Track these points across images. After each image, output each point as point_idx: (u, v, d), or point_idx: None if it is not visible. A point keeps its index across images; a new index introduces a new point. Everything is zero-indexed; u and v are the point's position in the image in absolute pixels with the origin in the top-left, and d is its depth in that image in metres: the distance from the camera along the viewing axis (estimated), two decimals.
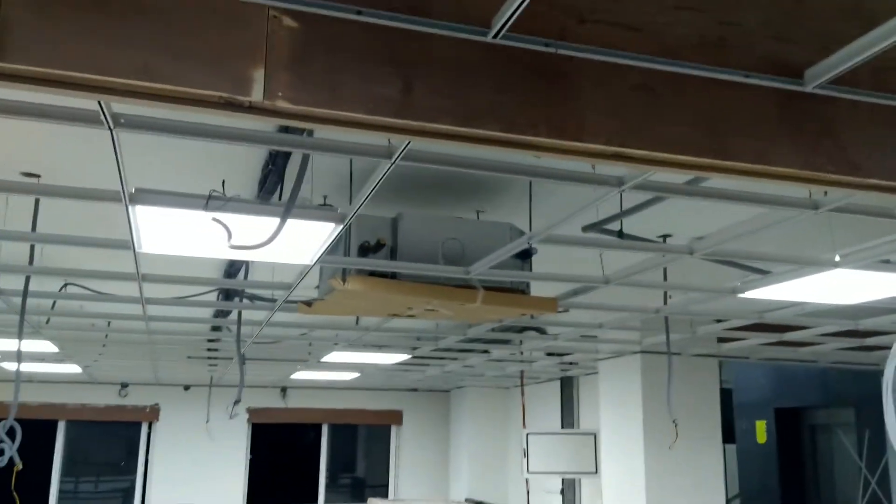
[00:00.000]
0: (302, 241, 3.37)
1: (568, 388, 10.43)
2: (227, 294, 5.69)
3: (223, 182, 2.98)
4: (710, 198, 2.93)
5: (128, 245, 3.52)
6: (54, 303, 5.88)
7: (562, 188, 3.63)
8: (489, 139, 1.93)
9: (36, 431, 11.47)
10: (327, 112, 1.76)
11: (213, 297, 5.79)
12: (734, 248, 3.78)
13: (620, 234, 3.91)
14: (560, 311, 4.89)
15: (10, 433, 4.32)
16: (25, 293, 4.43)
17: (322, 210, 3.24)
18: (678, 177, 2.77)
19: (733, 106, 2.12)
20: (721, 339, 7.56)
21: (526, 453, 9.10)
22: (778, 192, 2.87)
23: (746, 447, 10.61)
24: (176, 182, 3.53)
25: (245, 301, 5.59)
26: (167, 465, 12.02)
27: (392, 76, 1.82)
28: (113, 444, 12.26)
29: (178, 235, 3.35)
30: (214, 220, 2.94)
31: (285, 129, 2.70)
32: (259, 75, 1.74)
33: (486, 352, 8.56)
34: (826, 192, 2.89)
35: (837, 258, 3.81)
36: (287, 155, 3.27)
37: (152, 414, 12.20)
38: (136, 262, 4.12)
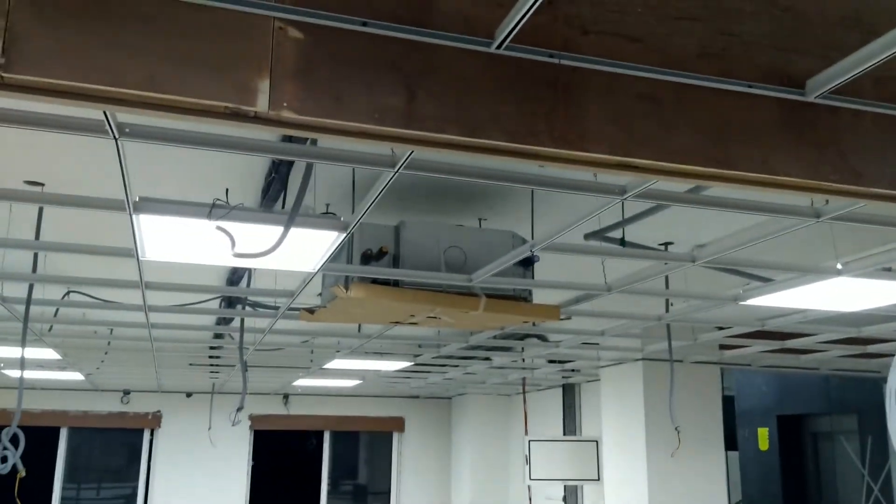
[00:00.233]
0: (305, 250, 3.38)
1: (570, 396, 10.42)
2: (230, 302, 5.70)
3: (227, 191, 2.99)
4: (713, 206, 2.93)
5: (131, 253, 3.52)
6: (57, 310, 5.89)
7: (564, 197, 3.64)
8: (493, 149, 1.94)
9: (38, 438, 11.46)
10: (332, 122, 1.77)
11: (215, 304, 5.80)
12: (736, 256, 3.79)
13: (622, 242, 3.91)
14: (562, 319, 4.89)
15: (14, 440, 4.32)
16: (29, 301, 4.43)
17: (325, 218, 3.25)
18: (680, 185, 2.77)
19: (737, 115, 2.13)
20: (723, 347, 7.55)
21: (528, 460, 9.08)
22: (780, 200, 2.87)
23: (749, 454, 10.58)
24: (180, 191, 3.53)
25: (248, 309, 5.59)
26: (169, 472, 12.00)
27: (396, 86, 1.83)
28: (115, 451, 12.24)
29: (181, 244, 3.36)
30: (218, 228, 2.95)
31: (289, 139, 2.71)
32: (265, 86, 1.74)
33: (487, 359, 8.56)
34: (827, 201, 2.89)
35: (839, 266, 3.81)
36: (290, 163, 3.28)
37: (154, 421, 12.18)
38: (139, 270, 4.13)
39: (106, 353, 8.06)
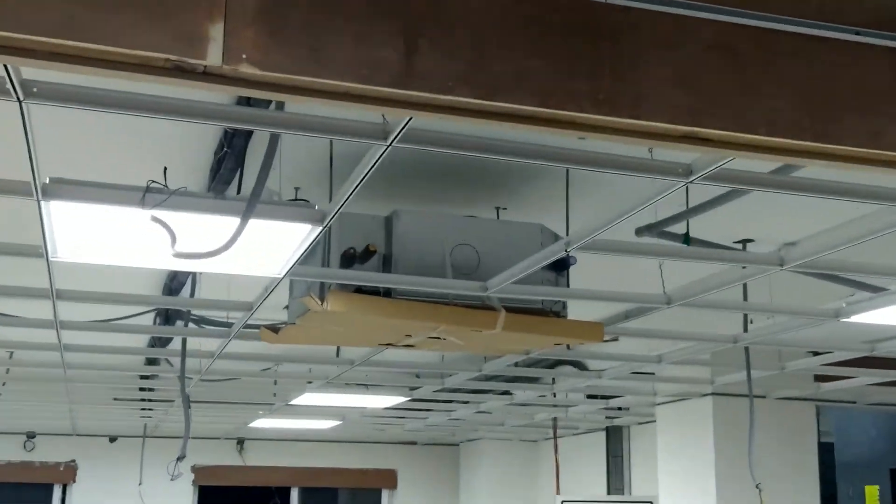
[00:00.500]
0: (268, 248, 3.39)
1: (615, 442, 10.41)
2: (168, 317, 5.71)
3: (164, 170, 3.00)
4: (806, 192, 2.93)
5: (39, 252, 3.53)
6: None
7: (609, 180, 3.64)
8: (517, 115, 1.94)
9: None
10: (305, 80, 1.77)
11: (149, 320, 5.81)
12: (837, 257, 3.78)
13: (686, 238, 3.91)
14: (607, 341, 4.89)
15: None
16: None
17: (295, 207, 3.26)
18: (764, 164, 2.77)
19: (840, 73, 2.13)
20: (819, 378, 7.53)
21: None
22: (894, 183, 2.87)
23: None
24: (103, 170, 3.55)
25: (191, 326, 5.60)
26: None
27: (392, 34, 1.83)
28: None
29: (104, 240, 3.37)
30: (153, 219, 2.96)
31: (246, 102, 2.72)
32: (217, 32, 1.75)
33: (507, 393, 8.55)
34: None
35: None
36: (247, 135, 3.29)
37: (68, 473, 12.21)
38: (49, 275, 4.14)
39: (3, 384, 8.08)
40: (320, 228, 3.18)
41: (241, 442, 12.91)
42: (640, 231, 3.97)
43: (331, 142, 3.48)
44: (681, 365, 6.60)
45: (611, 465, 10.40)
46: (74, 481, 12.22)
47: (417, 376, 7.76)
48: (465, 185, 4.07)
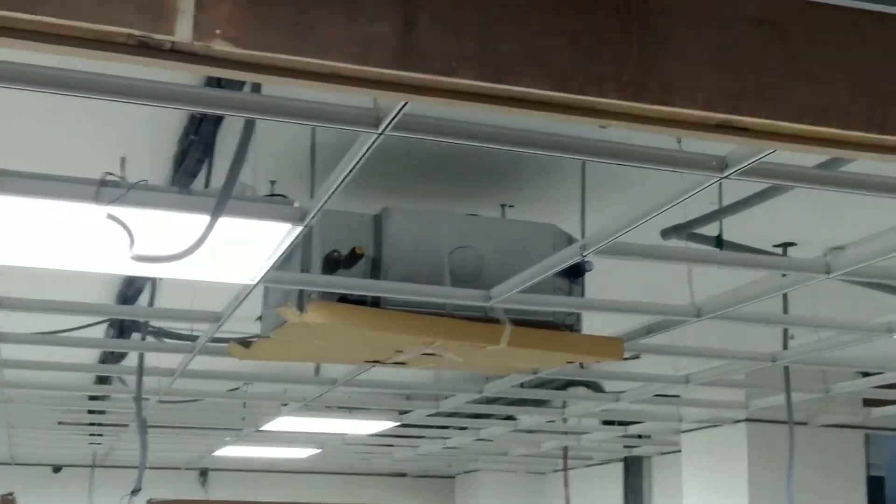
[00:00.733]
0: (239, 250, 3.39)
1: (635, 474, 10.42)
2: (123, 328, 5.71)
3: (122, 160, 3.00)
4: (857, 189, 2.94)
5: None
6: None
7: (632, 175, 3.65)
8: (530, 100, 1.94)
9: None
10: (288, 59, 1.78)
11: (100, 332, 5.81)
12: (890, 264, 3.79)
13: (719, 241, 3.91)
14: (626, 359, 4.90)
15: None
16: None
17: (271, 203, 3.26)
18: (809, 157, 2.78)
19: None
20: (869, 403, 7.54)
21: None
22: None
23: None
24: (51, 161, 3.55)
25: (149, 339, 5.60)
26: None
27: (388, 7, 1.83)
28: None
29: (51, 240, 3.37)
30: (109, 217, 2.97)
31: (217, 83, 2.72)
32: (187, 3, 1.75)
33: (510, 418, 8.55)
34: None
35: None
36: (216, 121, 3.29)
37: None
38: None
39: None
40: (300, 228, 3.18)
41: (204, 473, 12.90)
42: (666, 233, 3.98)
43: (313, 129, 3.48)
44: (711, 387, 6.60)
45: (629, 502, 10.40)
46: None
47: (408, 398, 7.76)
48: (466, 179, 4.08)
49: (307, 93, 2.06)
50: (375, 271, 3.86)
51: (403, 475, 13.48)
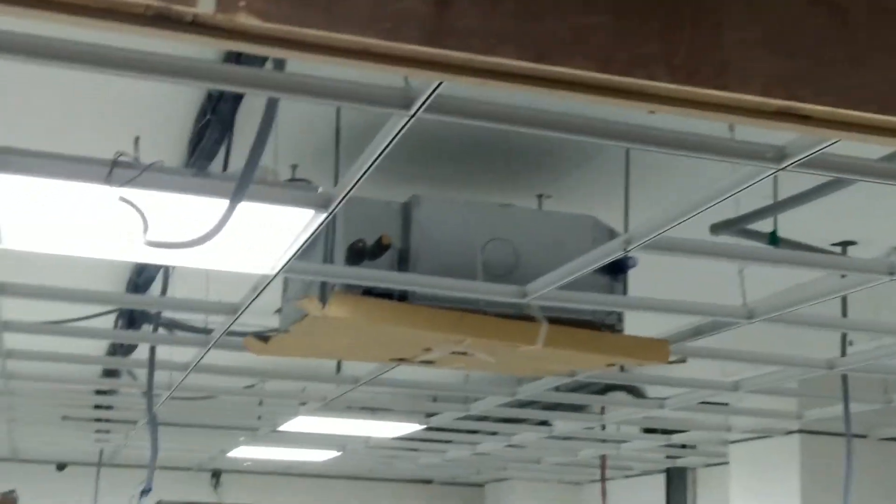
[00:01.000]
0: (259, 238, 3.40)
1: (678, 486, 10.39)
2: (133, 319, 5.74)
3: (136, 140, 3.02)
4: None
5: None
6: None
7: (679, 165, 3.63)
8: (573, 82, 1.93)
9: None
10: (318, 34, 1.77)
11: (109, 323, 5.85)
12: None
13: (774, 238, 3.89)
14: (672, 362, 4.89)
15: None
16: None
17: (294, 188, 3.27)
18: (873, 149, 2.76)
19: None
20: None
21: None
22: None
23: None
24: (62, 140, 3.58)
25: (161, 331, 5.63)
26: None
27: None
28: None
29: (60, 224, 3.40)
30: (121, 199, 2.98)
31: (236, 59, 2.73)
32: None
33: (545, 424, 8.55)
34: None
35: None
36: (235, 100, 3.31)
37: None
38: None
39: None
40: (324, 215, 3.19)
41: (216, 475, 12.97)
42: (716, 228, 3.96)
43: (338, 110, 3.49)
44: (762, 395, 6.57)
45: None
46: None
47: (435, 400, 7.77)
48: (501, 166, 4.07)
49: (333, 71, 2.07)
50: (403, 263, 3.86)
51: (429, 482, 13.50)
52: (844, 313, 4.83)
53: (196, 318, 5.70)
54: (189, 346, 5.77)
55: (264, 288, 4.19)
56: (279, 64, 2.50)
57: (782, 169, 2.69)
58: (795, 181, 3.53)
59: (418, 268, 3.84)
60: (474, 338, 4.01)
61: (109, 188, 2.92)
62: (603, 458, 10.11)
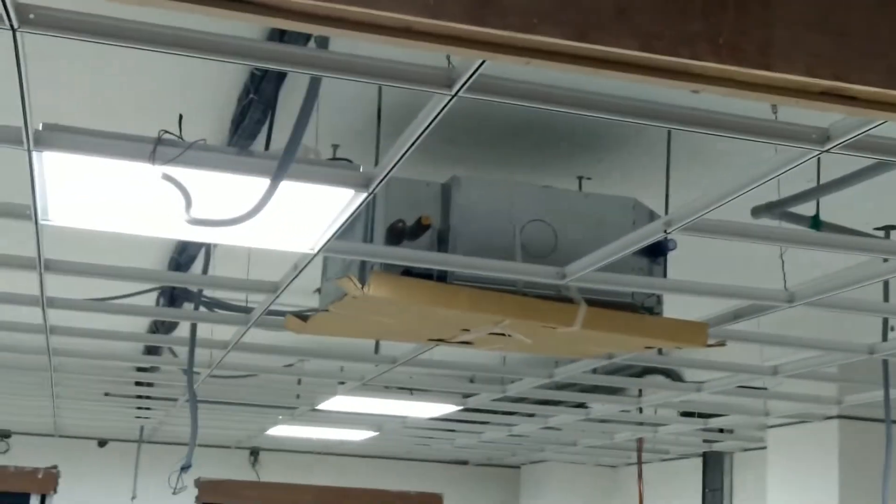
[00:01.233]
0: (300, 217, 3.42)
1: (715, 470, 10.34)
2: (174, 297, 5.78)
3: (180, 118, 3.03)
4: None
5: (26, 213, 3.60)
6: None
7: (721, 146, 3.61)
8: (616, 61, 1.93)
9: None
10: (360, 11, 1.78)
11: (151, 300, 5.89)
12: None
13: (816, 222, 3.86)
14: (710, 345, 4.87)
15: None
16: None
17: (336, 168, 3.28)
18: None
19: None
20: None
21: None
22: None
23: None
24: (106, 118, 3.60)
25: (202, 310, 5.67)
26: None
27: None
28: None
29: (105, 201, 3.42)
30: (164, 177, 3.00)
31: (280, 37, 2.74)
32: None
33: (582, 406, 8.54)
34: None
35: None
36: (278, 78, 3.31)
37: (48, 481, 12.43)
38: (37, 241, 4.22)
39: None
40: (365, 195, 3.19)
41: (255, 453, 13.04)
42: (757, 211, 3.93)
43: (380, 89, 3.49)
44: (801, 379, 6.52)
45: (708, 500, 10.34)
46: (55, 491, 12.42)
47: (472, 381, 7.77)
48: (541, 147, 4.06)
49: (376, 49, 2.07)
50: (442, 244, 3.87)
51: (465, 463, 13.52)
52: (886, 298, 4.79)
53: (237, 297, 5.73)
54: (229, 324, 5.80)
55: (305, 266, 4.21)
56: (322, 43, 2.50)
57: (826, 150, 2.67)
58: (839, 163, 3.50)
59: (457, 248, 3.84)
60: (512, 319, 4.01)
61: (153, 166, 2.94)
62: (639, 441, 10.10)
